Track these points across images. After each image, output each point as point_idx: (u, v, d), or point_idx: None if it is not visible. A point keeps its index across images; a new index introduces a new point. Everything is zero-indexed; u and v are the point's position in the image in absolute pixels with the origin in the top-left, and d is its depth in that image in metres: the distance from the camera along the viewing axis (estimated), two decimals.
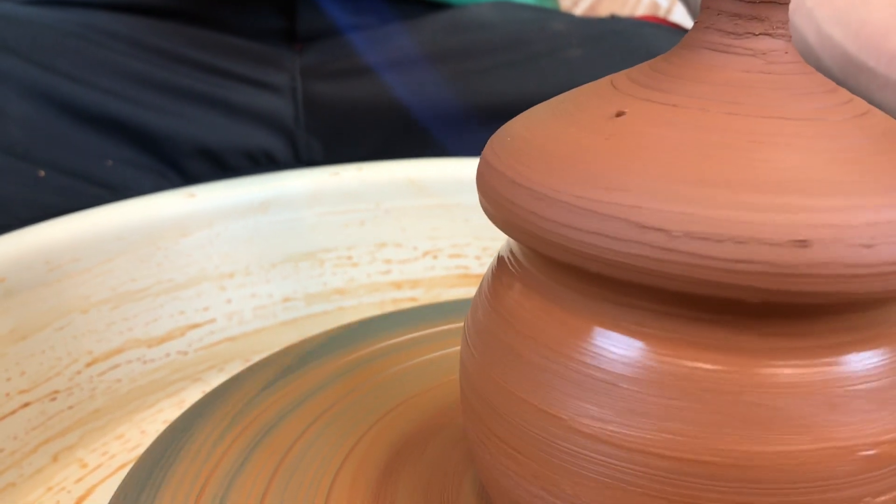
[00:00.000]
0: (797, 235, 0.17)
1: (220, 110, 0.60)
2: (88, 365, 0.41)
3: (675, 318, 0.19)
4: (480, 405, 0.23)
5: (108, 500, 0.28)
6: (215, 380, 0.43)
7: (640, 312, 0.19)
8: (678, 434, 0.19)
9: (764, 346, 0.19)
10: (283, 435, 0.30)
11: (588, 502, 0.21)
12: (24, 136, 0.52)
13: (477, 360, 0.23)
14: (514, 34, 0.66)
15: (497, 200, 0.21)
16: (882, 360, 0.20)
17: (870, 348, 0.20)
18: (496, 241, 0.51)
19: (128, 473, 0.28)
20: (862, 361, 0.19)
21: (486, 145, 0.22)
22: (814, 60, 0.58)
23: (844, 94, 0.21)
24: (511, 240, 0.23)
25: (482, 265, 0.52)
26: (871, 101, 0.49)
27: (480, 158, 0.23)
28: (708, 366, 0.19)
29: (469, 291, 0.50)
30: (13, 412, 0.37)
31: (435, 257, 0.51)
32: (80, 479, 0.37)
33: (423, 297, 0.50)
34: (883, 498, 0.20)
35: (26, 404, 0.38)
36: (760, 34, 0.20)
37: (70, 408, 0.39)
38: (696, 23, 0.21)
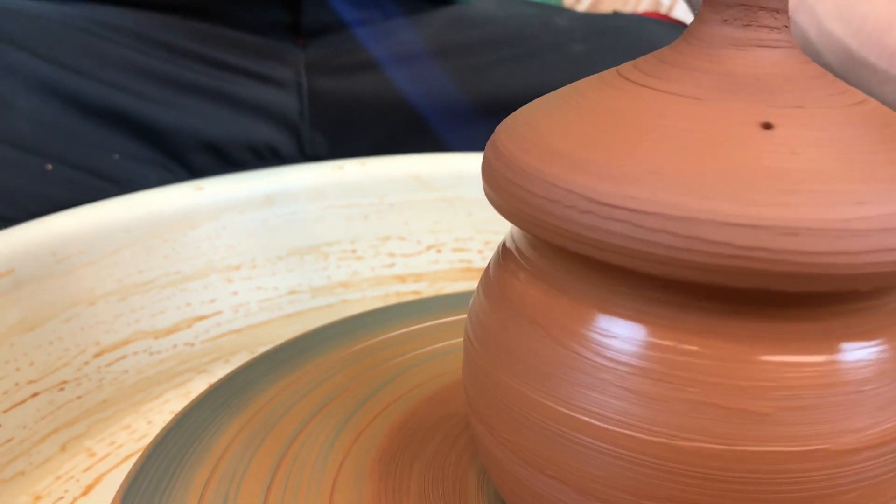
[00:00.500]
0: (794, 223, 0.18)
1: (224, 105, 0.60)
2: (96, 356, 0.41)
3: (679, 306, 0.19)
4: (484, 394, 0.23)
5: (115, 490, 0.28)
6: (221, 371, 0.43)
7: (644, 301, 0.20)
8: (681, 419, 0.19)
9: (764, 334, 0.19)
10: (288, 425, 0.30)
11: (593, 489, 0.21)
12: (32, 130, 0.53)
13: (480, 350, 0.23)
14: (517, 29, 0.66)
15: (504, 189, 0.21)
16: (882, 348, 0.20)
17: (869, 339, 0.20)
18: (499, 236, 0.51)
19: (138, 464, 0.29)
20: (861, 350, 0.20)
21: (493, 135, 0.23)
22: (815, 56, 0.58)
23: (841, 84, 0.21)
24: (515, 230, 0.24)
25: (485, 259, 0.52)
26: (871, 97, 0.49)
27: (487, 147, 0.23)
28: (710, 352, 0.19)
29: (472, 285, 0.51)
30: (22, 402, 0.37)
31: (438, 251, 0.52)
32: (88, 469, 0.38)
33: (427, 290, 0.51)
34: None
35: (35, 394, 0.38)
36: (762, 26, 0.21)
37: (78, 398, 0.40)
38: (699, 14, 0.22)
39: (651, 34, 0.66)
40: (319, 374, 0.34)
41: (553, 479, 0.22)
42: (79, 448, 0.39)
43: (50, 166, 0.52)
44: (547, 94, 0.23)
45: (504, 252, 0.24)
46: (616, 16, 0.71)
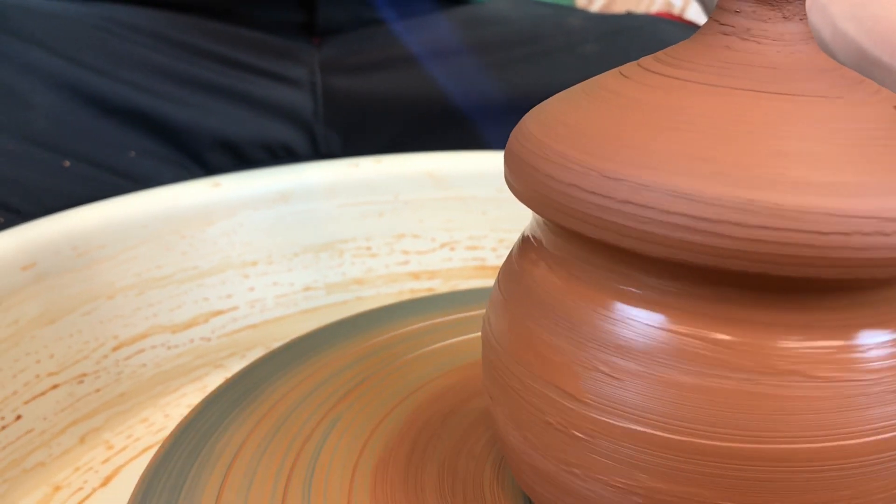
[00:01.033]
0: (813, 209, 0.18)
1: (240, 103, 0.61)
2: (115, 349, 0.42)
3: (698, 296, 0.20)
4: (504, 383, 0.24)
5: (133, 482, 0.28)
6: (237, 366, 0.43)
7: (663, 289, 0.20)
8: (699, 409, 0.20)
9: (782, 321, 0.19)
10: (303, 418, 0.31)
11: (609, 480, 0.21)
12: (50, 127, 0.53)
13: (500, 339, 0.24)
14: (531, 29, 0.66)
15: (530, 176, 0.21)
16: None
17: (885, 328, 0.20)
18: (512, 234, 0.52)
19: (157, 457, 0.29)
20: (877, 338, 0.20)
21: (520, 123, 0.23)
22: (829, 56, 0.58)
23: (857, 75, 0.22)
24: (537, 219, 0.24)
25: (499, 257, 0.52)
26: None
27: (512, 136, 0.23)
28: (729, 338, 0.19)
29: (486, 283, 0.51)
30: (43, 393, 0.38)
31: (452, 249, 0.52)
32: (106, 460, 0.38)
33: (441, 287, 0.51)
34: None
35: (55, 386, 0.39)
36: (779, 18, 0.21)
37: (97, 391, 0.40)
38: (717, 8, 0.22)
39: (663, 35, 0.67)
40: (334, 369, 0.34)
41: (569, 469, 0.22)
42: (97, 440, 0.39)
43: (67, 163, 0.53)
44: (568, 89, 0.23)
45: (524, 242, 0.24)
46: (629, 16, 0.72)
